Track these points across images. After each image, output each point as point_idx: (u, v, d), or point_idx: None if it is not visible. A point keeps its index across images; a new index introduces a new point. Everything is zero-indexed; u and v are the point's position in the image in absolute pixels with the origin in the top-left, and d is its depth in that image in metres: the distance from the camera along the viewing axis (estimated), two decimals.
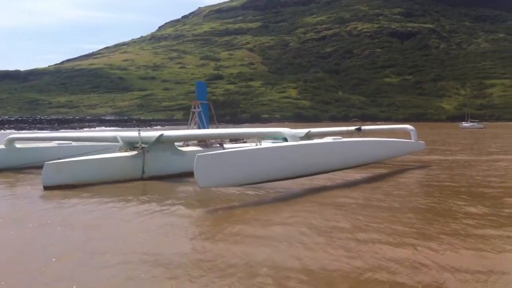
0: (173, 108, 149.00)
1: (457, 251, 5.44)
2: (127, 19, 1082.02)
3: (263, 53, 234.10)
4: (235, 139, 16.50)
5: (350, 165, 12.77)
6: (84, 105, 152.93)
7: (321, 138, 15.52)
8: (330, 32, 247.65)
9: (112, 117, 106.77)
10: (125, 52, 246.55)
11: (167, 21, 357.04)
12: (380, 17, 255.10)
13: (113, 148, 14.09)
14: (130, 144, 13.13)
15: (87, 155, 12.33)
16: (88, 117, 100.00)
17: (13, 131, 54.02)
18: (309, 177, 11.07)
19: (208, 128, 15.98)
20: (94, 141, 15.49)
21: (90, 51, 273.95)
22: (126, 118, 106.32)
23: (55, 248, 5.66)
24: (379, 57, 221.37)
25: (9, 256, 5.42)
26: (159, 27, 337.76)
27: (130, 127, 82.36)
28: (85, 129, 67.00)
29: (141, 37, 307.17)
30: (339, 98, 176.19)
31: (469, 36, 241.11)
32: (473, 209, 7.89)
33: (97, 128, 66.78)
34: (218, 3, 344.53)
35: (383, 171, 14.32)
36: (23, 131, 54.18)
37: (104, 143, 15.00)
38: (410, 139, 16.99)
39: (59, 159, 11.78)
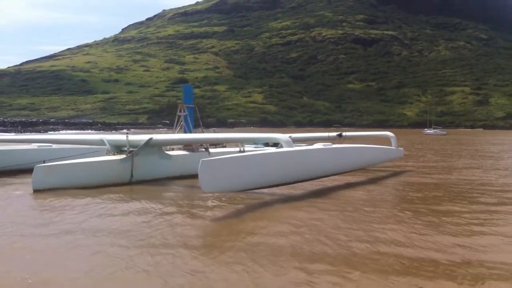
0: (137, 112, 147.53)
1: None
2: (89, 20, 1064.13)
3: (229, 57, 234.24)
4: (214, 143, 16.50)
5: (341, 170, 12.98)
6: (46, 108, 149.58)
7: (306, 144, 15.70)
8: (295, 37, 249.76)
9: (76, 120, 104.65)
10: (87, 54, 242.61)
11: (131, 23, 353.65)
12: (344, 24, 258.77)
13: (95, 151, 14.07)
14: (117, 148, 13.03)
15: (74, 158, 12.17)
16: (52, 120, 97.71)
17: None
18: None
19: (192, 131, 15.84)
20: (80, 144, 15.30)
21: (51, 53, 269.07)
22: (91, 121, 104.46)
23: None
24: (343, 63, 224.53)
25: None
26: (123, 29, 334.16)
27: (96, 130, 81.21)
28: (49, 132, 65.60)
29: (104, 39, 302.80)
30: (304, 103, 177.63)
31: (430, 43, 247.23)
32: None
33: (62, 132, 65.38)
34: (183, 6, 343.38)
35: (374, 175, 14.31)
36: (1, 134, 52.81)
37: (86, 146, 14.92)
38: (391, 146, 17.15)
39: (44, 162, 11.62)
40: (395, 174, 15.72)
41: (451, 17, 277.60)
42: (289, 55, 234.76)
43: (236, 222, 7.72)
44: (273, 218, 8.01)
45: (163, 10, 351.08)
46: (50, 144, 15.66)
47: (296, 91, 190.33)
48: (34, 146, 15.41)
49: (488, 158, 24.33)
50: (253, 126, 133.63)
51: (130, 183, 12.10)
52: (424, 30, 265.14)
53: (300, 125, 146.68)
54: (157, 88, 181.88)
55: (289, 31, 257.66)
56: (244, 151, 15.75)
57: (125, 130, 65.12)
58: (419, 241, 6.40)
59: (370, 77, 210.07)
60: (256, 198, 9.82)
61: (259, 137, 14.12)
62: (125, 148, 12.67)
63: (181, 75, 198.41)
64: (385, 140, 18.41)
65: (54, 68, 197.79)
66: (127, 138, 12.70)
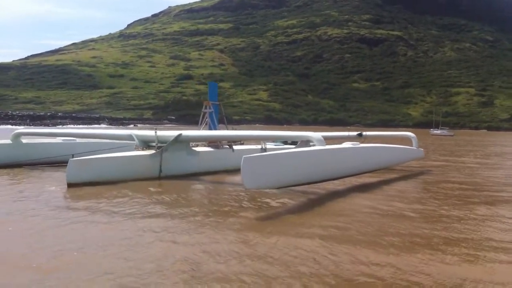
0: (142, 107, 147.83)
1: None
2: (94, 16, 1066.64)
3: (234, 55, 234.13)
4: (243, 141, 16.57)
5: (369, 169, 13.13)
6: (51, 102, 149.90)
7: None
8: (300, 36, 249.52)
9: (83, 115, 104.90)
10: (93, 49, 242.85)
11: (136, 19, 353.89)
12: (350, 23, 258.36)
13: (120, 147, 14.12)
14: (145, 143, 13.13)
15: (105, 153, 12.21)
16: (59, 114, 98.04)
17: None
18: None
19: (217, 128, 15.87)
20: (110, 139, 15.31)
21: (56, 47, 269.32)
22: (97, 116, 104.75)
23: None
24: (348, 62, 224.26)
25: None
26: (128, 25, 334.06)
27: (102, 125, 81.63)
28: (58, 126, 65.88)
29: (110, 34, 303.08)
30: (309, 101, 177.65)
31: (436, 44, 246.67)
32: None
33: (70, 126, 65.57)
34: (189, 3, 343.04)
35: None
36: (28, 127, 53.16)
37: (111, 140, 15.01)
38: (412, 146, 17.26)
39: (73, 156, 11.68)
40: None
41: (457, 18, 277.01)
42: (294, 54, 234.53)
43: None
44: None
45: (169, 6, 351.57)
46: (74, 138, 15.73)
47: (301, 89, 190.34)
48: (59, 140, 15.43)
49: None
50: (258, 124, 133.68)
51: (159, 178, 12.21)
52: (430, 31, 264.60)
53: (305, 123, 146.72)
54: (162, 84, 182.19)
55: (295, 29, 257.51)
56: (266, 149, 15.93)
57: (139, 125, 65.41)
58: None
59: (375, 76, 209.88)
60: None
61: (290, 135, 14.03)
62: (153, 144, 12.80)
63: (186, 72, 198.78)
64: (404, 141, 18.55)
65: (60, 63, 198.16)
66: (155, 134, 12.83)
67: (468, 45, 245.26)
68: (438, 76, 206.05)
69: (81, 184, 10.41)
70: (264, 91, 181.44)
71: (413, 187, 12.73)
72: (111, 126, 75.10)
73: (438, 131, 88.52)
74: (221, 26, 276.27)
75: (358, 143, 12.68)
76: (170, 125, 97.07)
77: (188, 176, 12.77)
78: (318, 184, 10.73)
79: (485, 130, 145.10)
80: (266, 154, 9.49)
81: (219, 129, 15.91)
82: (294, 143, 18.01)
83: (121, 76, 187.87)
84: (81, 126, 68.38)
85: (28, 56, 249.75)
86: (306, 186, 10.32)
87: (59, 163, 14.14)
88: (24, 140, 15.11)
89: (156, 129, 13.31)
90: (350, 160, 11.70)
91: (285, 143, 18.52)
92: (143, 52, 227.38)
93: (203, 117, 15.60)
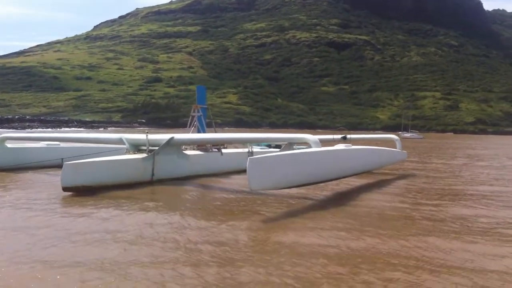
0: (111, 110, 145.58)
1: None
2: (59, 17, 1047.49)
3: (203, 58, 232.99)
4: (235, 143, 16.65)
5: (361, 170, 13.27)
6: (17, 104, 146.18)
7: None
8: (269, 39, 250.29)
9: (52, 118, 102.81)
10: (58, 50, 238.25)
11: (103, 20, 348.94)
12: (318, 27, 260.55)
13: (108, 151, 14.06)
14: (136, 147, 13.07)
15: (94, 157, 12.06)
16: (28, 117, 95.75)
17: None
18: None
19: (206, 132, 16.01)
20: (100, 143, 15.19)
21: (21, 49, 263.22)
22: (66, 119, 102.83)
23: None
24: (317, 66, 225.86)
25: None
26: (95, 27, 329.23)
27: (71, 127, 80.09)
28: (26, 129, 64.33)
29: (76, 35, 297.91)
30: (278, 105, 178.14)
31: (402, 49, 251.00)
32: None
33: (39, 129, 64.06)
34: (157, 5, 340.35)
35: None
36: (13, 130, 51.65)
37: (99, 145, 14.93)
38: (396, 149, 17.34)
39: (62, 160, 11.64)
40: None
41: (422, 23, 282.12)
42: (263, 57, 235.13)
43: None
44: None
45: (137, 8, 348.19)
46: (58, 143, 15.57)
47: (271, 92, 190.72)
48: (43, 144, 15.27)
49: None
50: (228, 127, 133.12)
51: (151, 182, 12.13)
52: (397, 36, 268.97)
53: (275, 126, 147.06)
54: (130, 87, 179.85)
55: (264, 33, 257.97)
56: (252, 152, 16.09)
57: (110, 128, 64.57)
58: None
59: (343, 80, 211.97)
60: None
61: (284, 137, 14.10)
62: (144, 147, 12.74)
63: (155, 74, 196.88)
64: (388, 143, 18.73)
65: (25, 64, 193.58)
66: (146, 137, 12.74)
67: (434, 50, 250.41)
68: (405, 80, 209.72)
69: (75, 188, 10.19)
70: (234, 94, 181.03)
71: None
72: (81, 129, 73.81)
73: (408, 135, 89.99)
74: (190, 28, 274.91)
75: (350, 145, 12.77)
76: (140, 128, 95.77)
77: (179, 179, 12.76)
78: (318, 185, 10.93)
79: (451, 133, 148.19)
80: (271, 155, 9.46)
81: (208, 133, 16.00)
82: (277, 146, 18.20)
83: (88, 78, 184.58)
84: (50, 129, 66.90)
85: None
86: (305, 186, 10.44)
87: (45, 168, 14.02)
88: (9, 145, 14.80)
89: (147, 132, 13.29)
90: (346, 161, 11.85)
91: (269, 146, 18.67)
92: (111, 54, 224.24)
93: (192, 121, 15.66)
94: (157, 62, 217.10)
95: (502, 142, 69.32)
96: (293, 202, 9.82)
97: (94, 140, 15.64)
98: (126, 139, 13.13)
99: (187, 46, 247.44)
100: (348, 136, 16.79)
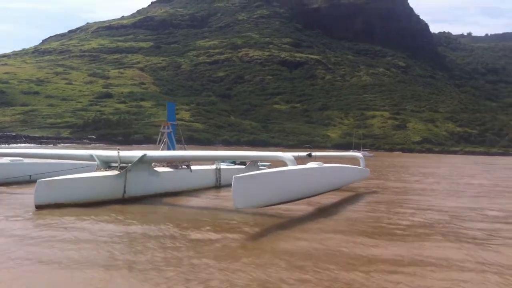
0: (59, 126, 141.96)
1: None
2: (5, 29, 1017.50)
3: (155, 74, 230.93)
4: (211, 160, 16.81)
5: (332, 188, 13.52)
6: None
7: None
8: (222, 56, 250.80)
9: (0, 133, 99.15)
10: (5, 64, 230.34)
11: (52, 34, 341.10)
12: (271, 46, 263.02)
13: (77, 168, 14.06)
14: (106, 164, 12.83)
15: (66, 173, 12.09)
16: None
17: None
18: None
19: (175, 149, 15.90)
20: (70, 159, 15.05)
21: None
22: (14, 134, 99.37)
23: None
24: (269, 84, 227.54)
25: None
26: (43, 41, 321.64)
27: (20, 143, 77.48)
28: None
29: (23, 49, 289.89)
30: (231, 122, 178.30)
31: (352, 69, 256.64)
32: None
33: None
34: (108, 20, 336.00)
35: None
36: None
37: (65, 161, 14.94)
38: (360, 166, 17.66)
39: (30, 177, 12.12)
40: None
41: (372, 44, 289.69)
42: (216, 74, 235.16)
43: None
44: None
45: (87, 23, 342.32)
46: (22, 159, 15.29)
47: (223, 109, 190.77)
48: (6, 160, 14.93)
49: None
50: (179, 144, 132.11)
51: (122, 199, 11.99)
52: (347, 56, 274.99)
53: (228, 143, 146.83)
54: (80, 102, 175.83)
55: (217, 50, 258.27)
56: (220, 169, 16.24)
57: (61, 144, 62.86)
58: None
59: (295, 98, 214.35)
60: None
61: (261, 155, 14.61)
62: (115, 164, 12.54)
63: (105, 90, 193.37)
64: (351, 161, 19.07)
65: None
66: (118, 154, 12.52)
67: (382, 70, 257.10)
68: (355, 99, 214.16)
69: (48, 206, 10.07)
70: (186, 111, 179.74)
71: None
72: (31, 145, 71.55)
73: (361, 153, 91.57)
74: (142, 44, 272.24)
75: (322, 163, 13.00)
76: (91, 144, 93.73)
77: (150, 197, 12.69)
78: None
79: (399, 152, 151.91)
80: (256, 173, 9.59)
81: (177, 149, 15.96)
82: (242, 163, 18.35)
83: (36, 93, 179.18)
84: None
85: None
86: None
87: (6, 184, 13.73)
88: None
89: (119, 149, 13.02)
90: (320, 179, 12.21)
91: (234, 163, 18.83)
92: (60, 69, 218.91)
93: (161, 138, 15.64)
94: (108, 78, 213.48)
95: (451, 161, 71.89)
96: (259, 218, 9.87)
97: (63, 156, 15.46)
98: (97, 155, 12.95)
99: (138, 62, 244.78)
100: (313, 153, 17.07)
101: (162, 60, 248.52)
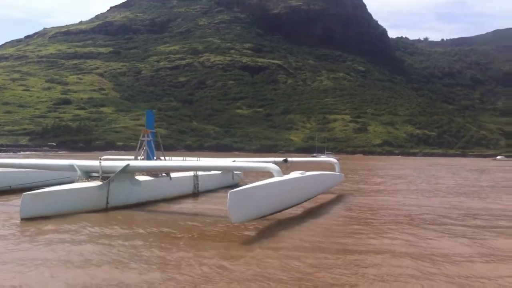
0: (17, 133, 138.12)
1: None
2: None
3: (115, 79, 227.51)
4: (197, 170, 16.57)
5: (313, 195, 13.70)
6: None
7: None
8: (183, 62, 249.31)
9: None
10: None
11: (8, 40, 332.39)
12: (232, 51, 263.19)
13: (58, 178, 14.15)
14: (87, 174, 12.70)
15: (53, 183, 12.23)
16: None
17: None
18: None
19: (155, 156, 15.78)
20: (49, 169, 14.71)
21: None
22: None
23: None
24: (231, 89, 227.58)
25: None
26: None
27: None
28: None
29: None
30: (194, 127, 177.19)
31: (313, 73, 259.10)
32: None
33: None
34: (66, 25, 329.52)
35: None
36: None
37: (48, 171, 14.68)
38: (335, 172, 17.72)
39: (11, 187, 12.24)
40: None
41: (332, 49, 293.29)
42: (177, 79, 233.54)
43: None
44: None
45: (44, 28, 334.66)
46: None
47: (186, 115, 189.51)
48: None
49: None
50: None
51: (106, 209, 11.93)
52: (308, 61, 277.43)
53: (191, 149, 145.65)
54: (38, 109, 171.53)
55: (178, 55, 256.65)
56: (198, 176, 16.54)
57: (21, 153, 61.08)
58: None
59: (257, 103, 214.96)
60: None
61: (249, 166, 14.43)
62: (97, 174, 12.49)
63: (64, 96, 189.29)
64: (325, 166, 19.18)
65: None
66: (100, 164, 12.49)
67: (342, 75, 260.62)
68: (316, 103, 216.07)
69: (33, 218, 10.00)
70: None
71: None
72: None
73: (324, 157, 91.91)
74: (101, 49, 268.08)
75: (304, 172, 13.03)
76: (52, 152, 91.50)
77: (132, 206, 12.62)
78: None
79: (360, 155, 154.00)
80: (249, 187, 9.67)
81: (157, 157, 15.87)
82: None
83: None
84: None
85: None
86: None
87: None
88: None
89: (100, 159, 12.94)
90: (305, 187, 12.49)
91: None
92: (16, 75, 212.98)
93: (141, 146, 15.51)
94: (66, 84, 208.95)
95: (412, 164, 73.08)
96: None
97: (43, 166, 15.09)
98: (78, 165, 12.87)
99: (98, 68, 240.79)
100: (289, 159, 17.29)
101: (122, 66, 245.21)
